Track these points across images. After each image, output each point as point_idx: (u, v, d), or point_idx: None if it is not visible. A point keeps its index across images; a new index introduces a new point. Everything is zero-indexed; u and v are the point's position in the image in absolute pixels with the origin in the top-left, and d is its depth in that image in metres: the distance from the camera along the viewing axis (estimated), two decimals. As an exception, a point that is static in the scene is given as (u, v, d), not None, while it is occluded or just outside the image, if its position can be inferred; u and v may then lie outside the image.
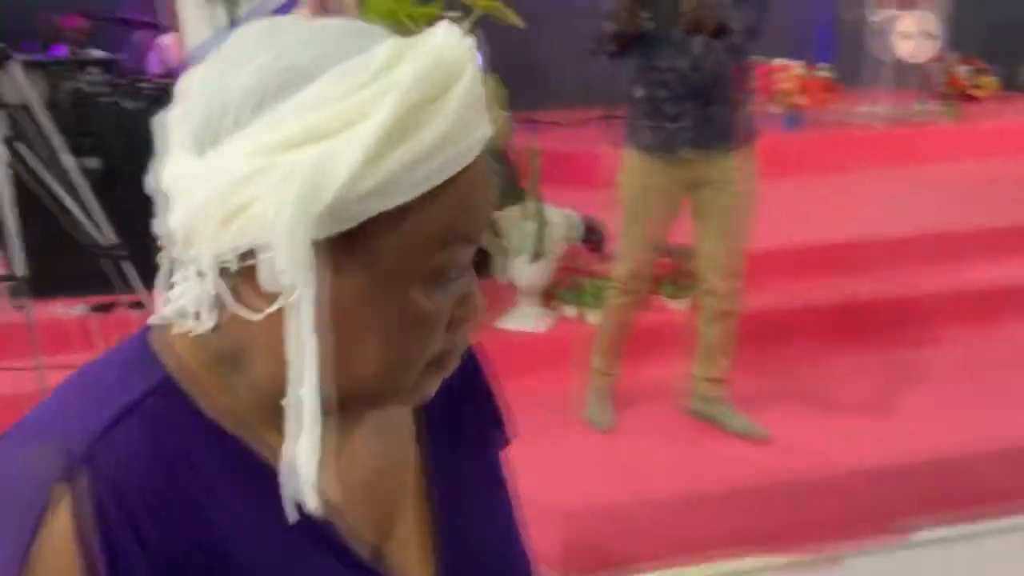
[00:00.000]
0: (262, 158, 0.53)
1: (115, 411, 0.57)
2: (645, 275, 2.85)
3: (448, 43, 0.57)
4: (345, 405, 0.60)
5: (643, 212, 2.73)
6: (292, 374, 0.56)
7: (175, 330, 0.60)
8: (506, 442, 0.84)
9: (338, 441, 0.61)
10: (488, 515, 0.78)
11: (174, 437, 0.59)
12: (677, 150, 2.62)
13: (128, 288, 2.86)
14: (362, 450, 0.68)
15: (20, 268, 2.68)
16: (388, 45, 0.56)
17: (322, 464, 0.58)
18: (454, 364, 0.64)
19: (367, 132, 0.53)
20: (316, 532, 0.63)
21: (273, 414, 0.60)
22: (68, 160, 2.79)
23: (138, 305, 2.90)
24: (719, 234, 2.70)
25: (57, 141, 2.77)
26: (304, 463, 0.56)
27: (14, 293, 2.73)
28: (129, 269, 2.85)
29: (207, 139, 0.55)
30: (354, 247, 0.56)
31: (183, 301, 0.59)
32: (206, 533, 0.58)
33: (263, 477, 0.60)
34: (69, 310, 3.20)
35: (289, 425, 0.56)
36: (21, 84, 2.68)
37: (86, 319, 3.10)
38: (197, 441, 0.60)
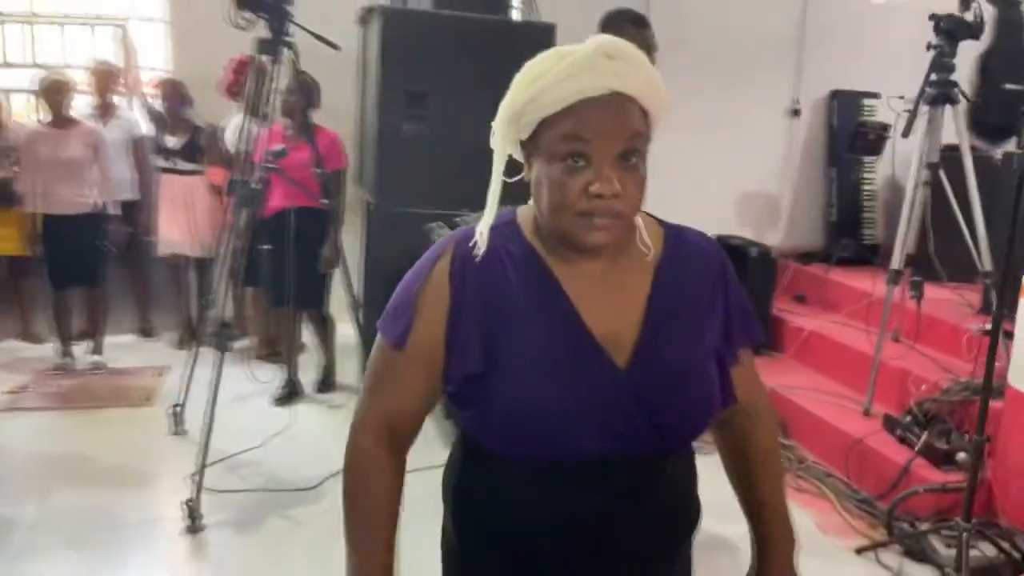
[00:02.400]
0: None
1: (488, 224, 1.18)
2: None
3: (583, 45, 1.09)
4: (565, 240, 1.13)
5: None
6: (491, 191, 1.17)
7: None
8: (750, 340, 1.29)
9: (581, 264, 1.16)
10: (683, 344, 1.19)
11: (503, 240, 1.18)
12: None
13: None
14: (603, 273, 1.18)
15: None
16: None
17: (576, 288, 1.15)
18: (598, 220, 1.09)
19: (516, 80, 1.13)
20: (565, 311, 1.15)
21: (554, 244, 1.17)
22: (974, 192, 3.63)
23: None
24: None
25: (971, 179, 3.61)
26: (483, 226, 1.17)
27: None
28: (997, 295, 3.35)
29: None
30: (537, 142, 1.12)
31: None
32: (501, 288, 1.16)
33: (542, 275, 1.17)
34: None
35: (487, 210, 1.18)
36: (958, 124, 3.72)
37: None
38: (512, 245, 1.18)
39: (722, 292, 1.24)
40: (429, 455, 1.69)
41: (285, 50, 3.48)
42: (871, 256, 5.55)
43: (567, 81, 1.07)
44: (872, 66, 5.42)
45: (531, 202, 1.17)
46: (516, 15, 5.10)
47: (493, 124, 1.15)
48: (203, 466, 3.24)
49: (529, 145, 1.14)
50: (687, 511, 1.28)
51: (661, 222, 1.26)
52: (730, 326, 1.24)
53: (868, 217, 5.62)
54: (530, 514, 1.18)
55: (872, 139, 5.07)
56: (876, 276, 5.21)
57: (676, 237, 1.25)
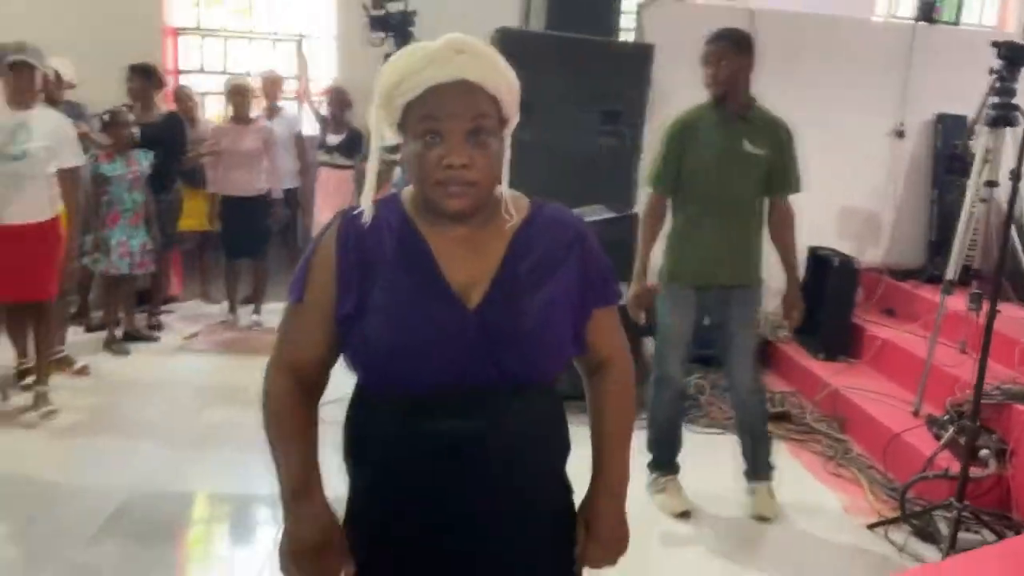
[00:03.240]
0: None
1: (369, 195, 1.38)
2: None
3: (436, 41, 1.27)
4: (431, 207, 1.32)
5: None
6: (368, 168, 1.39)
7: None
8: (607, 301, 1.45)
9: (449, 229, 1.34)
10: (533, 295, 1.34)
11: (385, 212, 1.37)
12: None
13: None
14: (467, 237, 1.36)
15: None
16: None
17: (442, 248, 1.33)
18: (453, 188, 1.27)
19: (383, 71, 1.30)
20: (426, 265, 1.33)
21: (425, 212, 1.35)
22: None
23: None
24: None
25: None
26: (364, 196, 1.36)
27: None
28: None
29: None
30: (404, 125, 1.30)
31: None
32: (377, 248, 1.34)
33: (412, 236, 1.35)
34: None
35: (366, 178, 1.39)
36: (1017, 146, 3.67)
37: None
38: (390, 214, 1.37)
39: (577, 257, 1.40)
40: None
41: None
42: (968, 276, 5.65)
43: (422, 71, 1.25)
44: (980, 90, 5.55)
45: None
46: (629, 36, 5.65)
47: (370, 110, 1.34)
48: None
49: (400, 128, 1.32)
50: (543, 445, 1.42)
51: (531, 199, 1.45)
52: (584, 287, 1.41)
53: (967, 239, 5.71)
54: (394, 440, 1.34)
55: (970, 162, 5.21)
56: (963, 294, 5.35)
57: (538, 210, 1.43)
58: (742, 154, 3.36)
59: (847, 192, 5.91)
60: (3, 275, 3.97)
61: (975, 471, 3.53)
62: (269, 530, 3.31)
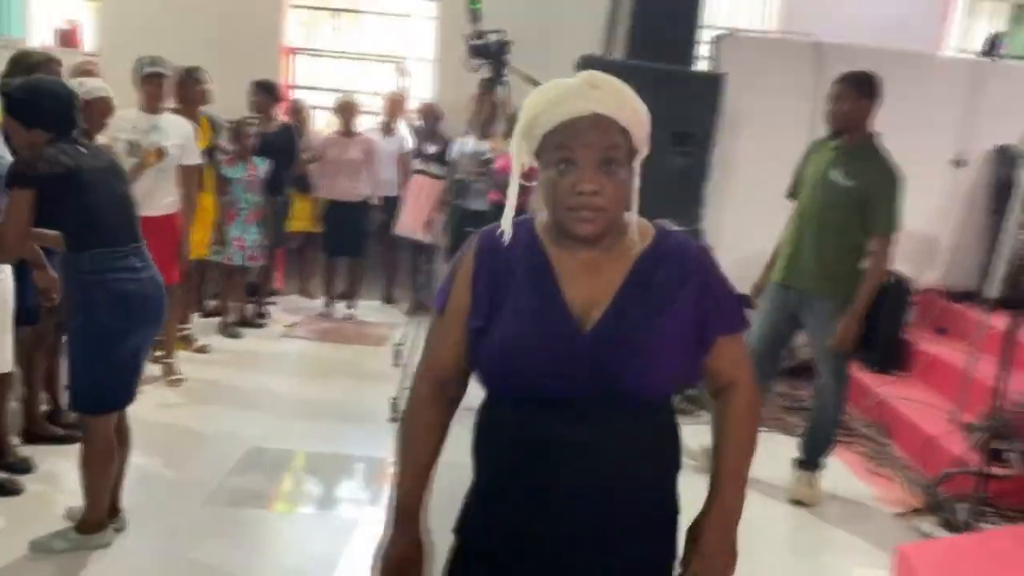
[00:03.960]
0: None
1: (509, 216, 1.45)
2: None
3: (569, 79, 1.37)
4: (563, 231, 1.39)
5: None
6: (509, 191, 1.44)
7: None
8: (731, 329, 1.47)
9: (575, 251, 1.41)
10: (647, 320, 1.39)
11: (518, 232, 1.45)
12: None
13: None
14: (591, 260, 1.42)
15: None
16: None
17: (566, 269, 1.41)
18: (584, 213, 1.35)
19: (525, 104, 1.39)
20: (549, 284, 1.42)
21: (556, 235, 1.43)
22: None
23: None
24: None
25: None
26: (505, 219, 1.45)
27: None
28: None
29: None
30: (541, 153, 1.38)
31: None
32: (508, 265, 1.44)
33: (540, 257, 1.43)
34: None
35: (507, 204, 1.45)
36: None
37: None
38: (523, 235, 1.45)
39: (697, 286, 1.44)
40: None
41: (499, 87, 4.73)
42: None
43: (560, 105, 1.35)
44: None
45: None
46: (704, 65, 6.08)
47: (511, 139, 1.47)
48: (403, 386, 4.53)
49: (538, 156, 1.40)
50: (646, 461, 1.46)
51: (657, 226, 1.49)
52: (705, 315, 1.44)
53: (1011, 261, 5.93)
54: (506, 441, 1.46)
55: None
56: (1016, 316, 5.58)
57: (662, 237, 1.47)
58: (829, 182, 3.78)
59: (909, 216, 6.12)
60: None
61: (1000, 470, 3.85)
62: (354, 480, 3.96)
